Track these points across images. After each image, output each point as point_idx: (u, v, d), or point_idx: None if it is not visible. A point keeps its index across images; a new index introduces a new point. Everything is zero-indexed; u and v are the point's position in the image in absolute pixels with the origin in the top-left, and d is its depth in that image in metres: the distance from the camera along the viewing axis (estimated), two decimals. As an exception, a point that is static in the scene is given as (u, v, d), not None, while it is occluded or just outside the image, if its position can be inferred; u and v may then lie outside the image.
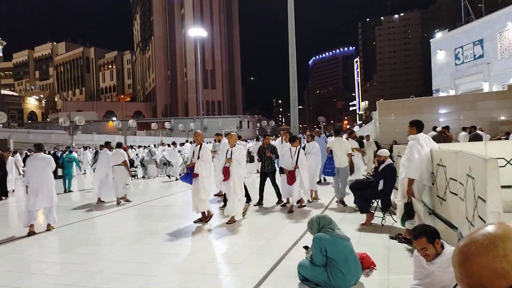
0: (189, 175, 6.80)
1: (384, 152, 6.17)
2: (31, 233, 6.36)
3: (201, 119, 40.96)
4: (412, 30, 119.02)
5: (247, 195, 8.05)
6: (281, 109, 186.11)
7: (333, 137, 8.43)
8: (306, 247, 4.12)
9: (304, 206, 7.78)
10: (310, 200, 8.26)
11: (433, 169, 4.79)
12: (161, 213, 8.47)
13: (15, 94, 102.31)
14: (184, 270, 4.43)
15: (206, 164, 6.77)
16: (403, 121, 16.86)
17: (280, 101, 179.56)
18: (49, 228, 6.65)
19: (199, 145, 6.92)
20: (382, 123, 16.91)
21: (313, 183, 8.50)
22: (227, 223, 6.53)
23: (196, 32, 38.78)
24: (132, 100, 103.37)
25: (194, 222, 6.73)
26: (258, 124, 72.95)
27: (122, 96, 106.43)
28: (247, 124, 75.19)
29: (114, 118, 71.41)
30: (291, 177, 7.39)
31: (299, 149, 7.61)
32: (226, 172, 6.70)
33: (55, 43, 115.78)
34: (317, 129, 14.48)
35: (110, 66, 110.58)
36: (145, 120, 74.72)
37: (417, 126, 4.96)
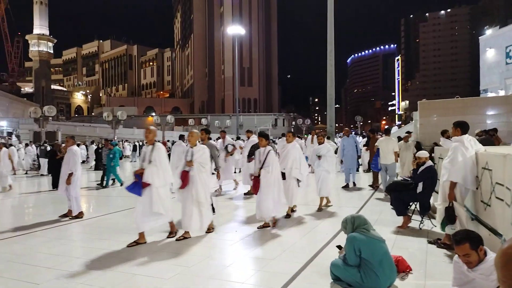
0: (137, 184, 5.30)
1: (423, 153, 5.95)
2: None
3: (237, 116, 41.35)
4: (459, 26, 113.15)
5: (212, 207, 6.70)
6: (317, 108, 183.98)
7: (382, 136, 9.92)
8: (339, 247, 4.07)
9: (267, 226, 6.03)
10: (289, 214, 6.86)
11: (478, 172, 4.55)
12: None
13: (64, 89, 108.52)
14: (217, 263, 4.52)
15: (160, 170, 5.33)
16: (445, 123, 16.07)
17: (316, 100, 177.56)
18: None
19: (151, 146, 5.47)
20: (423, 124, 16.19)
21: (325, 189, 7.44)
22: (176, 239, 5.39)
23: (235, 29, 39.11)
24: (170, 96, 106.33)
25: (128, 245, 5.16)
26: (293, 123, 72.52)
27: (161, 92, 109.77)
28: (282, 122, 75.00)
29: (153, 114, 73.85)
30: (255, 185, 6.00)
31: (268, 151, 6.13)
32: (185, 178, 5.41)
33: (101, 41, 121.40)
34: (345, 128, 13.50)
35: (151, 63, 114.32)
36: (182, 116, 76.61)
37: (461, 128, 4.74)
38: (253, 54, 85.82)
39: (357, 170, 12.66)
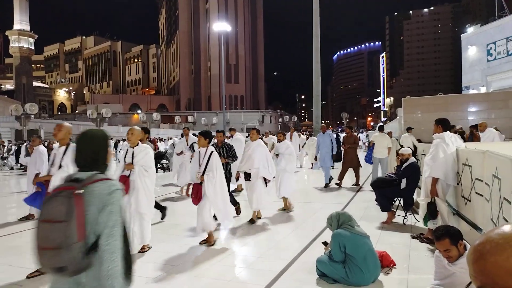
0: (40, 194, 4.29)
1: (406, 150, 6.07)
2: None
3: (224, 113, 41.26)
4: (442, 24, 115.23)
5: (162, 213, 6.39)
6: (304, 105, 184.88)
7: (376, 132, 10.24)
8: (325, 243, 4.12)
9: (211, 244, 5.08)
10: (254, 219, 6.34)
11: (459, 168, 4.67)
12: (182, 207, 8.59)
13: (46, 86, 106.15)
14: (203, 260, 4.52)
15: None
16: (429, 119, 16.39)
17: (303, 97, 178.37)
18: None
19: (64, 147, 4.45)
20: (407, 121, 16.47)
21: (285, 189, 6.99)
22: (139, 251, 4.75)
23: (220, 26, 38.97)
24: (156, 93, 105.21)
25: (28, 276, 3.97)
26: (280, 119, 72.74)
27: (147, 89, 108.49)
28: (269, 119, 75.11)
29: (139, 111, 72.98)
30: (195, 194, 4.94)
31: (211, 152, 5.10)
32: (124, 184, 4.50)
33: (84, 37, 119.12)
34: (322, 124, 13.44)
35: (136, 60, 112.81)
36: (169, 113, 75.96)
37: (443, 124, 4.85)
38: (239, 51, 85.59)
39: (332, 168, 11.92)
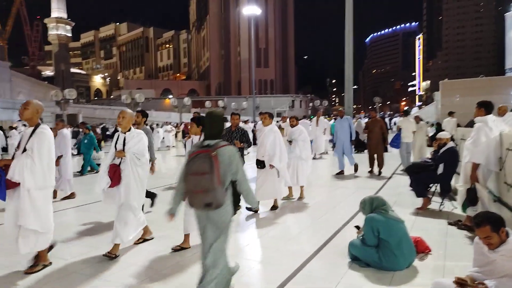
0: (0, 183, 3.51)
1: (444, 134, 5.83)
2: None
3: (253, 98, 41.19)
4: (484, 2, 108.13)
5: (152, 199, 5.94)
6: (334, 89, 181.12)
7: (401, 117, 10.55)
8: (357, 227, 4.08)
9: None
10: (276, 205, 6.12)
11: (502, 153, 4.44)
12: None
13: (83, 72, 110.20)
14: (234, 242, 4.60)
15: (36, 165, 3.54)
16: (469, 103, 15.61)
17: (334, 81, 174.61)
18: None
19: (31, 128, 3.71)
20: (445, 105, 15.84)
21: (302, 178, 6.69)
22: (104, 255, 4.03)
23: (250, 10, 38.55)
24: (187, 78, 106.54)
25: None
26: (310, 104, 71.79)
27: (178, 74, 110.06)
28: (299, 103, 74.30)
29: (170, 96, 74.34)
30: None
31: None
32: (115, 174, 4.04)
33: (118, 23, 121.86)
34: (339, 109, 12.66)
35: (167, 46, 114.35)
36: (199, 98, 76.80)
37: (486, 108, 4.60)
38: (269, 35, 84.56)
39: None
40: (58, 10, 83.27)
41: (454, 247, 4.15)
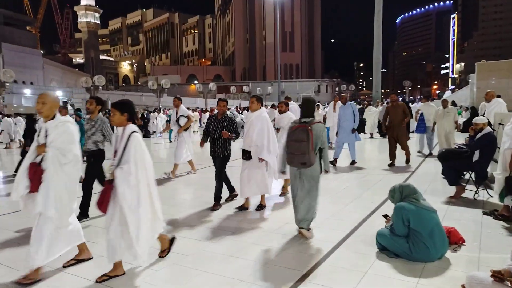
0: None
1: (481, 119, 5.49)
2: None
3: (279, 83, 40.79)
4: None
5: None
6: (362, 73, 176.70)
7: (420, 102, 10.42)
8: (385, 216, 3.94)
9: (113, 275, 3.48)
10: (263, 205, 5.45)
11: (546, 140, 4.13)
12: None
13: (111, 59, 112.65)
14: (260, 228, 4.57)
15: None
16: (507, 86, 14.76)
17: (361, 65, 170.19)
18: None
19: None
20: (481, 88, 15.01)
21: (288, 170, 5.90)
22: (16, 281, 3.18)
23: (276, -8, 37.76)
24: (212, 64, 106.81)
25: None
26: (337, 89, 70.42)
27: (203, 60, 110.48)
28: (325, 88, 73.07)
29: (196, 82, 74.90)
30: (102, 198, 3.16)
31: (130, 133, 3.21)
32: (34, 175, 3.20)
33: (144, 10, 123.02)
34: (342, 94, 11.48)
35: (192, 31, 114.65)
36: (224, 83, 77.01)
37: (528, 90, 4.27)
38: (295, 18, 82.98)
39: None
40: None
41: (489, 238, 3.93)
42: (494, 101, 8.08)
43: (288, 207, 5.46)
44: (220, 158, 5.38)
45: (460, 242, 3.71)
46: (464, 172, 5.66)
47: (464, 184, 5.59)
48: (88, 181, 4.98)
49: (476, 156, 5.27)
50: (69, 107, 36.65)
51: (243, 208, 5.31)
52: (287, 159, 4.06)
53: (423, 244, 3.31)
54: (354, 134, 8.71)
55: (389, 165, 8.44)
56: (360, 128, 11.00)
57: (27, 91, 42.87)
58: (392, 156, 8.53)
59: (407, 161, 8.60)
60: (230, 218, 5.02)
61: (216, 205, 5.40)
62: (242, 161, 5.30)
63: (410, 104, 17.65)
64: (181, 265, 3.51)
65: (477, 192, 5.40)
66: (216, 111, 5.55)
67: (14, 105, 33.43)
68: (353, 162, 8.88)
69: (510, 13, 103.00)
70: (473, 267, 3.28)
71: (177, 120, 7.94)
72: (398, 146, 8.63)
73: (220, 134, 5.26)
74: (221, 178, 5.45)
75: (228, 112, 5.47)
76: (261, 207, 5.34)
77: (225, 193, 5.69)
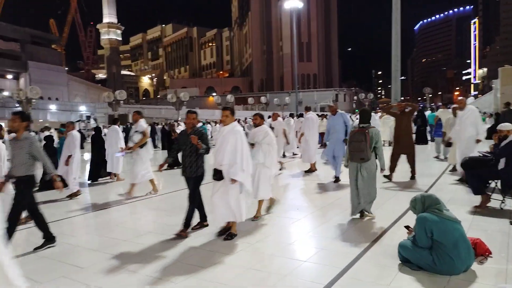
0: None
1: (506, 126, 5.33)
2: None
3: (296, 93, 40.77)
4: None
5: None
6: (380, 81, 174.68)
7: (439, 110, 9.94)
8: (407, 227, 3.85)
9: None
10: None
11: None
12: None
13: (132, 74, 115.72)
14: (279, 240, 4.55)
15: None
16: (533, 91, 14.25)
17: (380, 72, 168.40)
18: None
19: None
20: (505, 93, 14.58)
21: (264, 190, 5.41)
22: None
23: (292, 3, 38.08)
24: (230, 75, 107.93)
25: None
26: (355, 97, 69.83)
27: (221, 72, 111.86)
28: (343, 97, 72.59)
29: (214, 94, 75.84)
30: None
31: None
32: None
33: (163, 25, 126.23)
34: (331, 104, 10.22)
35: (210, 44, 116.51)
36: (242, 95, 77.60)
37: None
38: (311, 28, 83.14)
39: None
40: (109, 16, 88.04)
41: (518, 250, 3.78)
42: (467, 110, 7.17)
43: (319, 211, 5.41)
44: (193, 178, 4.76)
45: (487, 253, 3.58)
46: (490, 181, 5.48)
47: (490, 193, 5.41)
48: (14, 211, 4.15)
49: (501, 164, 5.11)
50: (92, 121, 37.82)
51: (229, 234, 4.58)
52: (348, 156, 5.11)
53: (447, 256, 3.22)
54: (344, 147, 7.68)
55: (385, 176, 7.58)
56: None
57: (53, 107, 44.42)
58: (393, 167, 7.84)
59: (413, 177, 7.86)
60: (197, 250, 4.27)
61: (184, 231, 4.70)
62: (213, 182, 4.63)
63: (425, 112, 17.21)
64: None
65: (503, 201, 5.22)
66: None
67: (40, 120, 34.71)
68: (336, 180, 7.96)
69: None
70: (501, 280, 3.16)
71: (132, 136, 7.33)
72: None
73: (190, 150, 4.70)
74: (194, 200, 4.79)
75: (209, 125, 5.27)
76: (230, 235, 4.55)
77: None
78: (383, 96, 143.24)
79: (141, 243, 4.57)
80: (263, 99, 55.41)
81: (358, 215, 5.14)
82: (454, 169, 8.39)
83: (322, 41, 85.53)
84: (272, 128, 9.69)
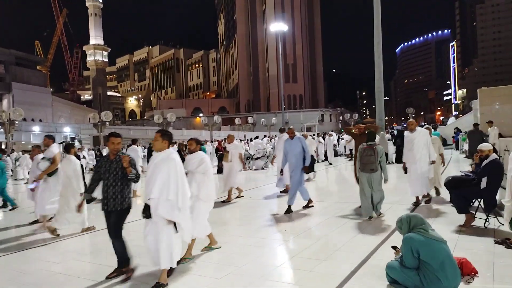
0: None
1: (486, 146, 5.48)
2: None
3: (283, 114, 41.23)
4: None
5: None
6: (365, 101, 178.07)
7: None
8: (394, 247, 3.86)
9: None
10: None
11: (553, 165, 4.10)
12: (249, 204, 8.70)
13: (118, 95, 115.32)
14: (267, 263, 4.50)
15: None
16: (510, 111, 14.77)
17: (364, 93, 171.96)
18: None
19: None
20: (484, 114, 15.04)
21: (200, 229, 4.65)
22: None
23: (277, 26, 39.01)
24: (217, 96, 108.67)
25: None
26: (341, 117, 70.90)
27: (208, 93, 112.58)
28: (329, 117, 73.64)
29: (201, 114, 75.95)
30: None
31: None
32: None
33: (150, 47, 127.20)
34: (290, 127, 7.83)
35: (197, 65, 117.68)
36: (229, 115, 77.99)
37: (531, 116, 4.30)
38: (297, 51, 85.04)
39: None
40: (95, 38, 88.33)
41: (503, 268, 3.83)
42: (418, 131, 7.15)
43: (305, 233, 5.37)
44: (117, 212, 4.04)
45: (473, 273, 3.61)
46: (473, 200, 5.58)
47: (474, 212, 5.50)
48: None
49: (483, 183, 5.22)
50: (77, 142, 37.23)
51: (156, 285, 3.77)
52: (360, 167, 6.32)
53: (434, 276, 3.23)
54: (301, 174, 7.18)
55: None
56: (311, 168, 9.47)
57: (36, 128, 43.65)
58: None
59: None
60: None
61: (125, 268, 4.13)
62: (145, 220, 3.88)
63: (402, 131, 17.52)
64: None
65: (487, 220, 5.31)
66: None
67: (23, 142, 34.00)
68: (288, 210, 7.11)
69: (509, 39, 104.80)
70: (488, 300, 3.17)
71: (39, 164, 6.72)
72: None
73: (115, 179, 4.04)
74: (118, 235, 4.10)
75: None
76: (158, 286, 3.75)
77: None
78: (368, 116, 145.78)
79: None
80: (250, 119, 55.77)
81: (367, 217, 6.24)
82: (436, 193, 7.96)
83: (307, 63, 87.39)
84: (227, 151, 9.17)
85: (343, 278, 3.78)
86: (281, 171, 7.95)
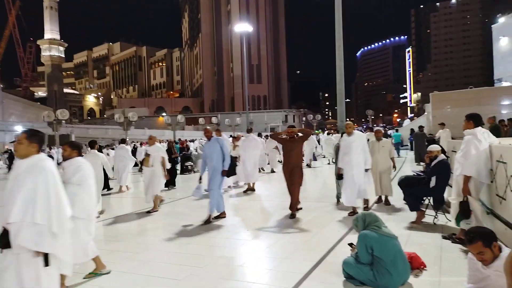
0: None
1: (435, 147, 5.85)
2: None
3: (247, 114, 41.34)
4: (471, 15, 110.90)
5: None
6: (327, 103, 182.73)
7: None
8: (351, 244, 4.03)
9: None
10: None
11: (492, 165, 4.46)
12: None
13: (76, 92, 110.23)
14: (228, 263, 4.53)
15: None
16: (460, 114, 15.82)
17: (326, 95, 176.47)
18: None
19: None
20: (436, 117, 15.98)
21: (82, 252, 3.96)
22: None
23: (242, 27, 39.08)
24: (180, 96, 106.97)
25: None
26: (304, 118, 72.22)
27: (171, 92, 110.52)
28: (292, 118, 74.74)
29: (164, 114, 74.43)
30: None
31: None
32: None
33: (111, 43, 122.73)
34: (206, 127, 7.49)
35: (160, 64, 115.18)
36: (193, 115, 77.05)
37: (474, 120, 4.64)
38: (261, 51, 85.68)
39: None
40: (51, 32, 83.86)
41: (449, 262, 4.11)
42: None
43: (266, 234, 5.44)
44: None
45: (422, 267, 3.85)
46: (424, 198, 5.93)
47: (424, 210, 5.84)
48: None
49: (432, 182, 5.56)
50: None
51: None
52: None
53: (386, 270, 3.42)
54: (221, 178, 6.71)
55: (292, 215, 6.68)
56: (232, 171, 8.49)
57: (-16, 127, 40.78)
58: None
59: (292, 215, 6.65)
60: None
61: None
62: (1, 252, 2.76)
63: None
64: None
65: (436, 216, 5.66)
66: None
67: (-31, 141, 31.61)
68: (208, 221, 6.51)
69: (459, 47, 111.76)
70: (434, 291, 3.40)
71: None
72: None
73: None
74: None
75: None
76: None
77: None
78: (330, 117, 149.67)
79: None
80: (214, 119, 55.36)
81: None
82: (379, 200, 7.55)
83: (271, 64, 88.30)
84: (148, 155, 7.90)
85: (303, 275, 3.89)
86: (200, 178, 6.81)
